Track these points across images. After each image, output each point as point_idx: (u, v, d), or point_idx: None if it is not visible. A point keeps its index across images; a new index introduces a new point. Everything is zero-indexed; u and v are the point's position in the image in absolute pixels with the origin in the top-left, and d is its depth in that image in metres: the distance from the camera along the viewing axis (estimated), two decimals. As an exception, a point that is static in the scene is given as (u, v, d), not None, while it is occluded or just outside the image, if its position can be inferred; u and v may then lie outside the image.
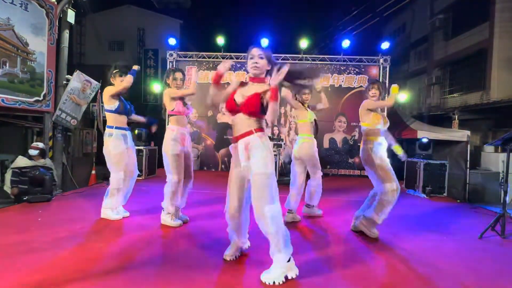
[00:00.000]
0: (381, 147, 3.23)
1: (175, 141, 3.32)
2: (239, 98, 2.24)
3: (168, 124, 3.58)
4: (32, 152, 4.68)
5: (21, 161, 4.59)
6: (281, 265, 2.13)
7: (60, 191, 5.18)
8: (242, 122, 2.23)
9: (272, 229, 2.09)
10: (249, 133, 2.19)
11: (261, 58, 2.24)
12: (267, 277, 2.13)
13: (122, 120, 3.58)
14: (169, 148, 3.29)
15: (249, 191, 2.22)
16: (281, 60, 8.68)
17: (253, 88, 2.25)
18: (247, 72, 2.45)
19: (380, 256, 2.77)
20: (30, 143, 7.03)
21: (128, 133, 3.64)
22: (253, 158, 2.17)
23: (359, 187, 6.62)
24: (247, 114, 2.21)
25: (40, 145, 4.80)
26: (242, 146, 2.20)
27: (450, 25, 11.44)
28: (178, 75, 3.45)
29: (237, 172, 2.30)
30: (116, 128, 3.52)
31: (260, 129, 2.23)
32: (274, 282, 2.09)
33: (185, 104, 3.47)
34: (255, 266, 2.41)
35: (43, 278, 2.13)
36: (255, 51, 2.25)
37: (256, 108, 2.19)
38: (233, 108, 2.25)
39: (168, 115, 3.53)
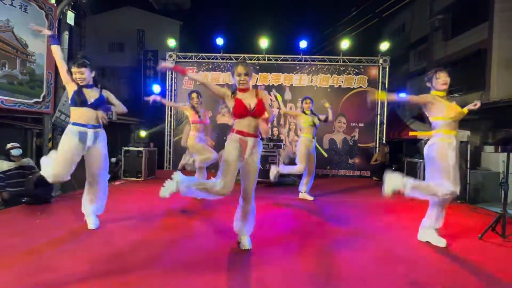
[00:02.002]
0: (446, 142, 2.91)
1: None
2: (249, 105, 2.63)
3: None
4: (16, 152, 4.54)
5: (2, 165, 4.46)
6: None
7: (59, 193, 5.17)
8: (251, 123, 2.66)
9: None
10: (256, 136, 2.70)
11: (246, 75, 2.63)
12: None
13: (81, 114, 2.95)
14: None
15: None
16: (281, 60, 8.70)
17: (250, 95, 2.68)
18: None
19: (378, 255, 2.76)
20: (30, 144, 7.02)
21: (92, 131, 2.98)
22: (255, 155, 2.70)
23: (360, 188, 6.61)
24: (258, 117, 2.65)
25: (16, 144, 4.67)
26: (251, 144, 2.65)
27: (450, 25, 11.43)
28: (194, 95, 4.41)
29: (237, 158, 2.66)
30: (73, 124, 2.96)
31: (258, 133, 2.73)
32: None
33: (199, 116, 4.46)
34: (255, 266, 2.41)
35: (41, 280, 2.12)
36: (241, 69, 2.63)
37: (264, 111, 2.67)
38: (246, 113, 2.63)
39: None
